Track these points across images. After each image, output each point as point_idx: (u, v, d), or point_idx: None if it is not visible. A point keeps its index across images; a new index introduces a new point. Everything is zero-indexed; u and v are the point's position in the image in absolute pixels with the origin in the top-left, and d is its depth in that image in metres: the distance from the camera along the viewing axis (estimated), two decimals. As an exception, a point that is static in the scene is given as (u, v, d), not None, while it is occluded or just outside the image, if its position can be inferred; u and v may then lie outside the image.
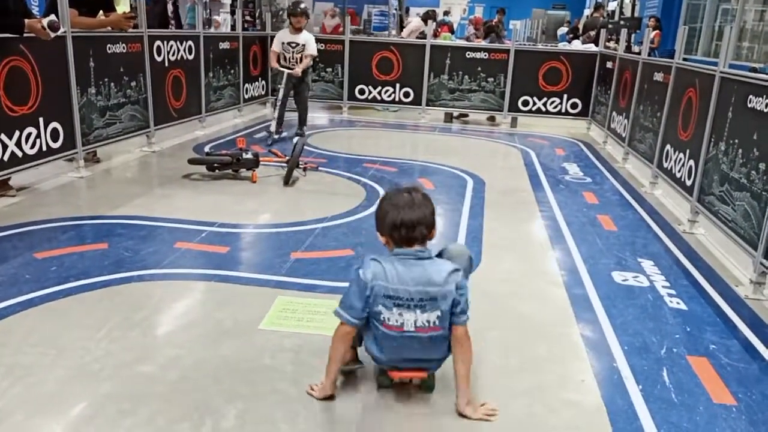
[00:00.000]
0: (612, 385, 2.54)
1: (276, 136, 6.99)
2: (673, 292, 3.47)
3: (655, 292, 3.45)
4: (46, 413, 2.19)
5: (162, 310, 3.00)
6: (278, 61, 7.15)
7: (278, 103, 7.10)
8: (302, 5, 7.14)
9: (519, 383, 2.53)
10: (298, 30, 7.11)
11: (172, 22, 8.78)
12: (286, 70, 7.04)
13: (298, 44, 7.07)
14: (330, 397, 2.33)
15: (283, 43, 7.11)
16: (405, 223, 2.19)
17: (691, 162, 4.85)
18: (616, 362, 2.70)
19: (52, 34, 4.52)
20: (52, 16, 4.56)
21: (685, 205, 4.90)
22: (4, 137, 4.37)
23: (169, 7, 8.76)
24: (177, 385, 2.38)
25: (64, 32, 4.83)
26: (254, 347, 2.68)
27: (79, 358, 2.52)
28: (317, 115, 9.54)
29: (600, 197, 5.43)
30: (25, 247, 3.66)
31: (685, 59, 5.90)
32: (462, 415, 2.26)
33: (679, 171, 5.14)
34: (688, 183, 4.85)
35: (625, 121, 7.03)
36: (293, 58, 7.08)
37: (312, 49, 7.17)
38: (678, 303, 3.33)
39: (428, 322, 2.21)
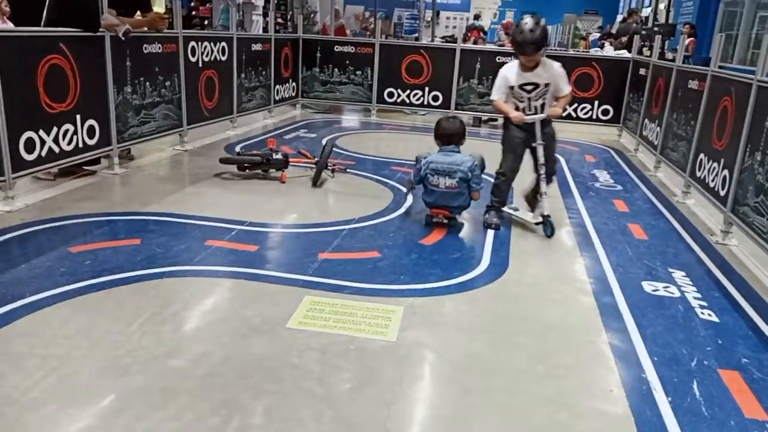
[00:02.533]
0: (640, 395, 2.50)
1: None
2: (704, 303, 3.41)
3: (686, 303, 3.40)
4: (77, 404, 2.24)
5: (192, 306, 3.05)
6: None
7: (503, 180, 4.51)
8: (541, 21, 4.16)
9: (545, 390, 2.51)
10: (533, 65, 4.30)
11: None
12: (532, 118, 4.29)
13: (538, 85, 4.32)
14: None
15: (512, 87, 4.35)
16: (447, 133, 4.40)
17: (726, 172, 4.77)
18: (645, 373, 2.67)
19: (122, 37, 5.11)
20: (128, 26, 5.13)
21: (719, 216, 4.82)
22: (42, 133, 4.49)
23: None
24: (206, 381, 2.42)
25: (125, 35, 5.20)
26: (281, 345, 2.71)
27: (111, 351, 2.57)
28: (346, 117, 9.61)
29: (630, 205, 5.36)
30: (60, 240, 3.75)
31: (720, 67, 5.79)
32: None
33: (712, 180, 5.06)
34: (722, 193, 4.77)
35: (658, 128, 6.93)
36: (530, 108, 4.36)
37: (567, 84, 4.43)
38: (710, 315, 3.28)
39: (451, 183, 4.22)
